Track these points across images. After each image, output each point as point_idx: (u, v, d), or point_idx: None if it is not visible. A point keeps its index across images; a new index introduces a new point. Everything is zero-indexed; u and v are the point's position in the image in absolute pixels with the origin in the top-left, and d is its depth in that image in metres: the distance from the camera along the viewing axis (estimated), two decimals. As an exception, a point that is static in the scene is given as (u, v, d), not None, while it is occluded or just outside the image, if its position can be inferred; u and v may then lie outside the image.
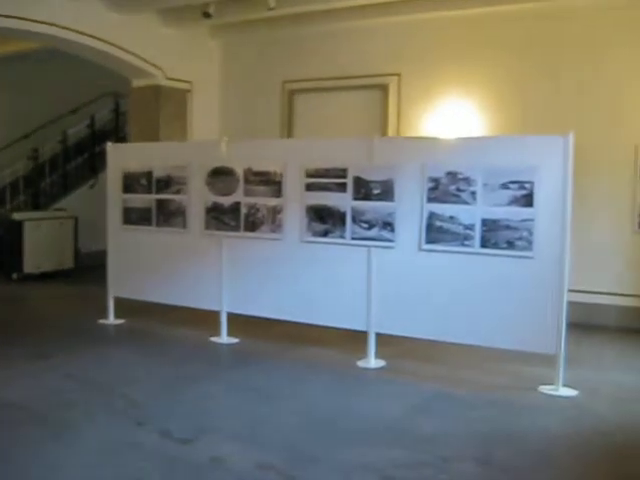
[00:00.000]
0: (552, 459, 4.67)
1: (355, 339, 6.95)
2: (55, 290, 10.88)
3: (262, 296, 7.40)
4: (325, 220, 7.00)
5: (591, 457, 4.75)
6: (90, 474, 4.34)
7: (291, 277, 7.22)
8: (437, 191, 6.42)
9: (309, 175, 7.07)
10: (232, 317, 7.64)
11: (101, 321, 8.39)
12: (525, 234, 6.06)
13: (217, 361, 7.09)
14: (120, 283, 8.37)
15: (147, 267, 8.21)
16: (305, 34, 10.29)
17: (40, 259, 11.53)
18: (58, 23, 8.82)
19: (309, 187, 7.08)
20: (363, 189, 6.79)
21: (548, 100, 8.65)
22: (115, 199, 8.38)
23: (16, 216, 11.56)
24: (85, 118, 14.08)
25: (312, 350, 7.28)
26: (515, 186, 6.08)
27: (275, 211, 7.29)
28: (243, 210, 7.48)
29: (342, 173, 6.89)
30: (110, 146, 8.62)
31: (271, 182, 7.30)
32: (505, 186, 6.11)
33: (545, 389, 6.03)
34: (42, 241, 11.54)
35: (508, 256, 6.14)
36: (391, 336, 6.76)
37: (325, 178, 6.98)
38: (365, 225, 6.79)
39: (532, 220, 6.03)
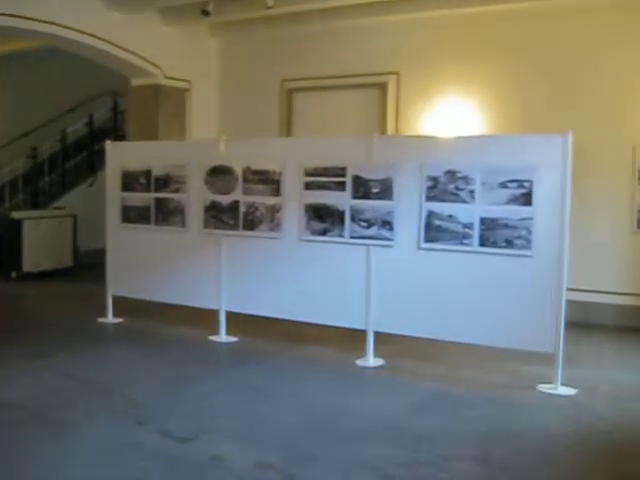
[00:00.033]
0: (551, 457, 4.68)
1: (354, 338, 6.95)
2: (54, 289, 10.88)
3: (261, 295, 7.41)
4: (324, 219, 7.01)
5: (589, 456, 4.76)
6: (90, 474, 4.35)
7: (290, 276, 7.23)
8: (436, 190, 6.43)
9: (308, 174, 7.07)
10: (231, 316, 7.65)
11: (100, 320, 8.40)
12: (524, 233, 6.06)
13: (216, 360, 7.10)
14: (119, 282, 8.37)
15: (146, 266, 8.22)
16: (304, 33, 10.29)
17: (39, 258, 11.53)
18: (58, 22, 8.81)
19: (308, 186, 7.08)
20: (362, 188, 6.80)
21: (547, 100, 8.65)
22: (114, 198, 8.39)
23: (15, 215, 11.56)
24: (84, 117, 14.08)
25: (311, 349, 7.28)
26: (514, 185, 6.08)
27: (274, 210, 7.30)
28: (242, 209, 7.48)
29: (341, 172, 6.89)
30: (109, 145, 8.62)
31: (270, 181, 7.30)
32: (504, 185, 6.12)
33: (544, 388, 6.03)
34: (41, 240, 11.54)
35: (507, 255, 6.15)
36: (390, 335, 6.77)
37: (324, 177, 6.99)
38: (364, 224, 6.80)
39: (531, 219, 6.03)
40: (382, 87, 9.89)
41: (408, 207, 6.57)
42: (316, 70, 10.26)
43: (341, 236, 6.92)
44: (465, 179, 6.29)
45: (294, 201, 7.16)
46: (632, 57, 8.25)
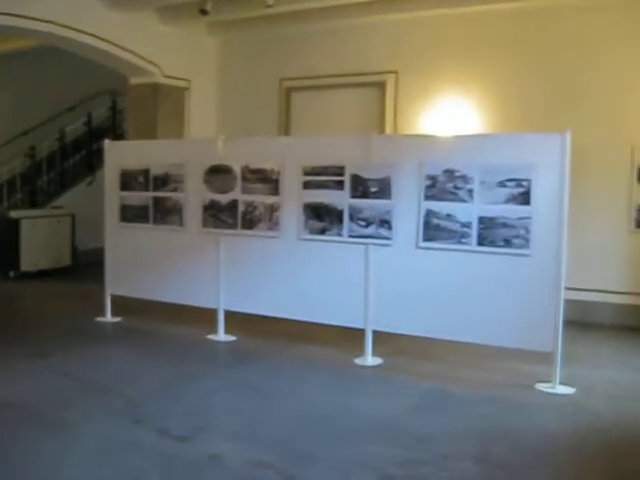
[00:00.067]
0: (549, 456, 4.68)
1: (352, 337, 6.95)
2: (52, 288, 10.87)
3: (259, 294, 7.41)
4: (322, 218, 7.01)
5: (588, 454, 4.76)
6: (88, 473, 4.34)
7: (288, 275, 7.23)
8: (434, 189, 6.43)
9: (306, 173, 7.08)
10: (229, 315, 7.65)
11: (98, 319, 8.39)
12: (522, 232, 6.07)
13: (214, 359, 7.10)
14: (117, 281, 8.37)
15: (144, 265, 8.21)
16: (302, 32, 10.29)
17: (37, 257, 11.52)
18: (56, 21, 8.80)
19: (306, 185, 7.09)
20: (360, 187, 6.80)
21: (546, 99, 8.66)
22: (112, 197, 8.39)
23: (13, 214, 11.55)
24: (82, 116, 14.08)
25: (309, 348, 7.28)
26: (512, 184, 6.09)
27: (272, 209, 7.30)
28: (240, 208, 7.48)
29: (339, 171, 6.89)
30: (107, 144, 8.63)
31: (268, 180, 7.31)
32: (502, 184, 6.12)
33: (542, 387, 6.04)
34: (39, 239, 11.54)
35: (505, 254, 6.15)
36: (388, 334, 6.77)
37: (322, 176, 6.99)
38: (362, 223, 6.80)
39: (529, 218, 6.04)
40: (381, 86, 9.89)
41: (407, 206, 6.57)
42: (315, 69, 10.26)
43: (340, 235, 6.93)
44: (464, 178, 6.30)
45: (293, 200, 7.16)
46: (631, 57, 8.26)
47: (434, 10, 9.26)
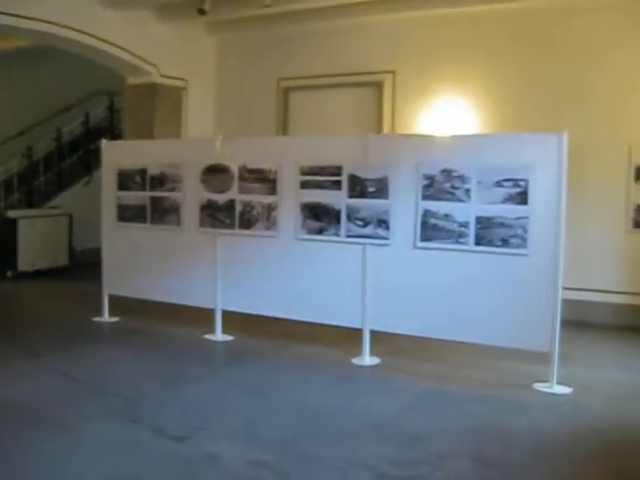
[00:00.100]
0: (547, 456, 4.68)
1: (350, 337, 6.95)
2: (49, 288, 10.86)
3: (257, 294, 7.40)
4: (320, 218, 7.01)
5: (585, 454, 4.76)
6: (85, 473, 4.33)
7: (286, 275, 7.23)
8: (432, 189, 6.43)
9: (304, 173, 7.08)
10: (227, 315, 7.64)
11: (96, 319, 8.38)
12: (519, 232, 6.07)
13: (212, 359, 7.09)
14: (115, 281, 8.36)
15: (142, 265, 8.21)
16: (300, 31, 10.28)
17: (34, 257, 11.51)
18: (53, 20, 8.79)
19: (304, 185, 7.08)
20: (358, 187, 6.80)
21: (543, 100, 8.66)
22: (109, 196, 8.38)
23: (10, 214, 11.54)
24: (79, 116, 14.08)
25: (307, 348, 7.28)
26: (509, 184, 6.09)
27: (270, 209, 7.30)
28: (238, 208, 7.48)
29: (337, 171, 6.89)
30: (105, 143, 8.62)
31: (266, 179, 7.30)
32: (499, 184, 6.12)
33: (539, 386, 6.04)
34: (36, 239, 11.52)
35: (502, 254, 6.15)
36: (386, 333, 6.77)
37: (320, 176, 6.99)
38: (360, 223, 6.80)
39: (527, 218, 6.04)
40: (378, 86, 9.90)
41: (404, 206, 6.57)
42: (312, 69, 10.26)
43: (337, 235, 6.92)
44: (461, 178, 6.30)
45: (290, 200, 7.16)
46: (629, 58, 8.27)
47: (432, 10, 9.25)
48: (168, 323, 8.16)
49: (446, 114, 9.24)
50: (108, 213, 8.40)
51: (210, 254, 7.65)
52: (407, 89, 9.65)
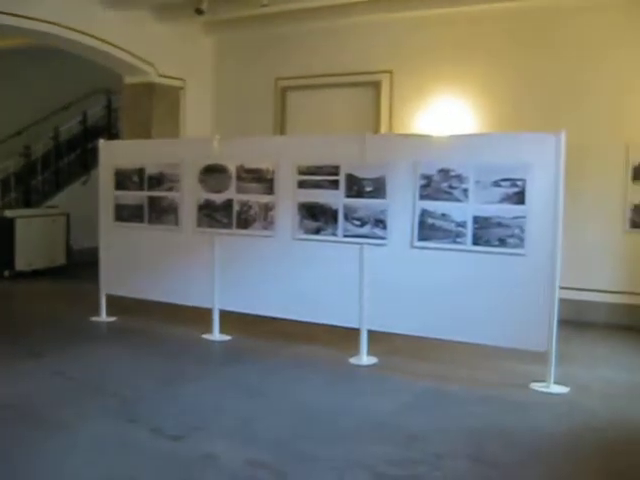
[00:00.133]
0: (544, 455, 4.69)
1: (347, 336, 6.95)
2: (47, 287, 10.86)
3: (254, 293, 7.40)
4: (317, 217, 7.01)
5: (582, 453, 4.77)
6: (82, 472, 4.33)
7: (283, 274, 7.23)
8: (429, 188, 6.44)
9: (301, 172, 7.08)
10: (224, 314, 7.64)
11: (93, 319, 8.38)
12: (517, 231, 6.07)
13: (209, 358, 7.09)
14: (112, 280, 8.36)
15: (139, 264, 8.21)
16: (298, 31, 10.29)
17: (32, 256, 11.50)
18: (52, 20, 8.79)
19: (301, 184, 7.08)
20: (355, 186, 6.80)
21: (541, 99, 8.67)
22: (107, 196, 8.38)
23: (8, 213, 11.53)
24: (77, 115, 14.07)
25: (304, 347, 7.28)
26: (507, 184, 6.09)
27: (267, 208, 7.30)
28: (235, 207, 7.48)
29: (334, 170, 6.89)
30: (102, 143, 8.61)
31: (263, 179, 7.30)
32: (497, 184, 6.13)
33: (536, 386, 6.05)
34: (34, 238, 11.52)
35: (500, 253, 6.15)
36: (383, 333, 6.77)
37: (317, 175, 6.99)
38: (357, 222, 6.80)
39: (524, 217, 6.04)
40: (376, 86, 9.90)
41: (401, 206, 6.57)
42: (310, 69, 10.27)
43: (334, 235, 6.92)
44: (458, 178, 6.30)
45: (287, 200, 7.16)
46: (627, 57, 8.28)
47: (430, 10, 9.26)
48: (166, 323, 8.16)
49: (444, 114, 9.25)
50: (106, 213, 8.40)
51: (207, 254, 7.65)
52: (405, 89, 9.66)
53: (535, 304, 6.02)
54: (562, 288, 6.13)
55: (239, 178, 7.44)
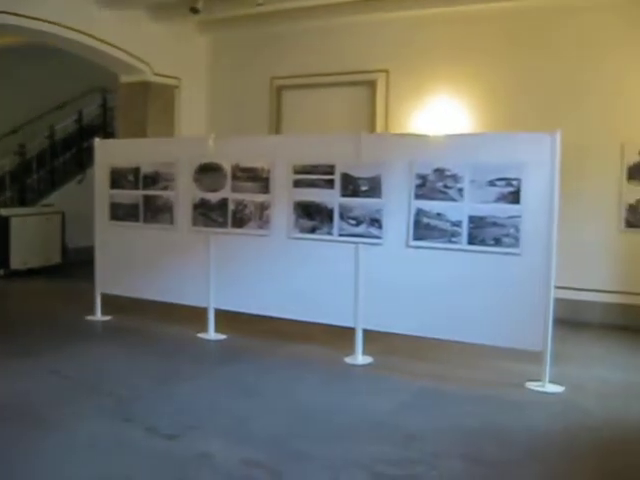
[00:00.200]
0: (539, 454, 4.69)
1: (343, 335, 6.95)
2: (42, 286, 10.84)
3: (249, 292, 7.40)
4: (313, 216, 7.01)
5: (578, 452, 4.77)
6: (78, 472, 4.32)
7: (279, 274, 7.23)
8: (425, 188, 6.44)
9: (297, 171, 7.07)
10: (220, 313, 7.64)
11: (89, 317, 8.37)
12: (512, 231, 6.08)
13: (205, 358, 7.08)
14: (107, 279, 8.35)
15: (134, 263, 8.20)
16: (293, 30, 10.28)
17: (27, 255, 11.48)
18: (47, 18, 8.78)
19: (297, 183, 7.08)
20: (351, 186, 6.80)
21: (537, 99, 8.67)
22: (102, 195, 8.37)
23: (3, 212, 11.51)
24: (73, 113, 14.05)
25: (300, 346, 7.28)
26: (502, 183, 6.09)
27: (263, 207, 7.29)
28: (231, 206, 7.48)
29: (330, 169, 6.89)
30: (97, 142, 8.60)
31: (259, 178, 7.30)
32: (492, 183, 6.13)
33: (532, 385, 6.05)
34: (29, 237, 11.50)
35: (495, 253, 6.16)
36: (379, 332, 6.77)
37: (313, 174, 6.99)
38: (353, 222, 6.80)
39: (519, 217, 6.05)
40: (371, 85, 9.90)
41: (397, 205, 6.57)
42: (305, 68, 10.26)
43: (330, 234, 6.92)
44: (454, 177, 6.30)
45: (283, 199, 7.16)
46: (622, 58, 8.28)
47: (426, 9, 9.26)
48: (161, 322, 8.15)
49: (439, 113, 9.25)
50: (101, 211, 8.39)
51: (203, 253, 7.65)
52: (400, 88, 9.65)
53: (530, 303, 6.03)
54: (557, 287, 6.15)
55: (234, 177, 7.43)
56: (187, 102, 10.91)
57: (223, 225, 7.53)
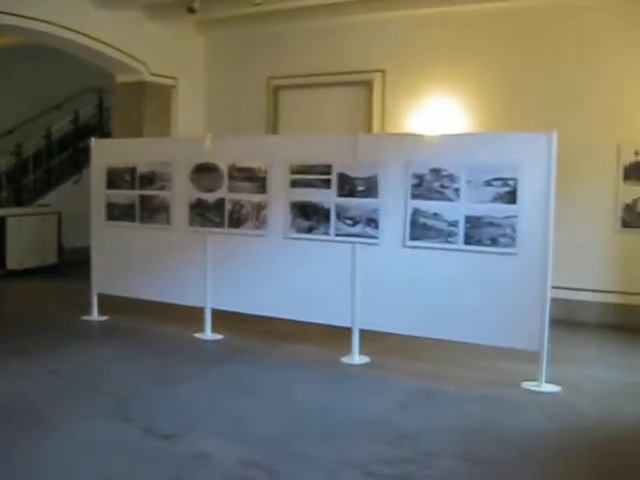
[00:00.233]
0: (535, 454, 4.70)
1: (339, 335, 6.96)
2: (38, 286, 10.83)
3: (246, 292, 7.40)
4: (309, 216, 7.01)
5: (573, 452, 4.78)
6: (75, 472, 4.32)
7: (275, 273, 7.23)
8: (421, 188, 6.44)
9: (293, 171, 7.07)
10: (217, 313, 7.64)
11: (85, 318, 8.36)
12: (508, 231, 6.09)
13: (202, 358, 7.07)
14: (104, 279, 8.34)
15: (131, 263, 8.19)
16: (290, 30, 10.28)
17: (23, 255, 11.48)
18: (44, 18, 8.75)
19: (293, 183, 7.08)
20: (347, 185, 6.80)
21: (533, 99, 8.68)
22: (99, 195, 8.36)
23: (-1, 212, 11.52)
24: (69, 114, 14.03)
25: (296, 346, 7.28)
26: (499, 183, 6.10)
27: (259, 207, 7.29)
28: (227, 206, 7.47)
29: (326, 169, 6.89)
30: (94, 142, 8.59)
31: (255, 178, 7.30)
32: (489, 183, 6.14)
33: (528, 385, 6.06)
34: (25, 237, 11.49)
35: (492, 253, 6.17)
36: (375, 332, 6.77)
37: (309, 174, 6.99)
38: (349, 222, 6.80)
39: (515, 217, 6.06)
40: (368, 85, 9.90)
41: (393, 205, 6.58)
42: (302, 68, 10.26)
43: (326, 234, 6.93)
44: (450, 177, 6.31)
45: (280, 199, 7.16)
46: (619, 58, 8.29)
47: (422, 9, 9.27)
48: (158, 322, 8.14)
49: (436, 113, 9.26)
50: (97, 211, 8.38)
51: (200, 253, 7.64)
52: (397, 88, 9.66)
53: (527, 303, 6.03)
54: (554, 287, 6.16)
55: (231, 177, 7.43)
56: (184, 102, 10.91)
57: (220, 225, 7.53)
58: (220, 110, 10.99)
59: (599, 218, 8.49)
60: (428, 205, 6.42)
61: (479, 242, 6.21)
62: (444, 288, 6.38)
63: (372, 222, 6.70)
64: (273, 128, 10.65)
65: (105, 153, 8.39)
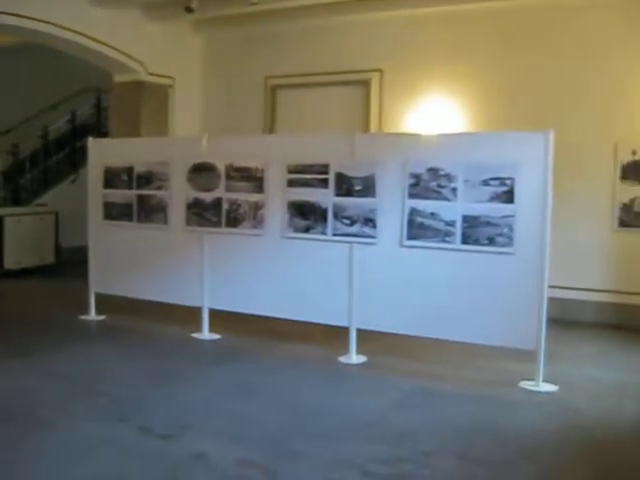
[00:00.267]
0: (532, 453, 4.70)
1: (337, 335, 6.96)
2: (36, 286, 10.82)
3: (244, 292, 7.40)
4: (307, 216, 7.01)
5: (570, 451, 4.79)
6: (71, 471, 4.32)
7: (273, 273, 7.22)
8: (418, 187, 6.44)
9: (291, 171, 7.07)
10: (214, 313, 7.63)
11: (82, 317, 8.36)
12: (506, 230, 6.09)
13: (199, 357, 7.06)
14: (101, 279, 8.34)
15: (128, 263, 8.19)
16: (287, 30, 10.28)
17: (21, 255, 11.46)
18: (41, 18, 8.74)
19: (291, 183, 7.08)
20: (345, 185, 6.80)
21: (531, 99, 8.68)
22: (96, 194, 8.36)
23: (-4, 212, 11.50)
24: (66, 113, 14.01)
25: (294, 346, 7.28)
26: (496, 182, 6.10)
27: (257, 207, 7.29)
28: (225, 206, 7.47)
29: (324, 169, 6.89)
30: (91, 141, 8.58)
31: (253, 178, 7.30)
32: (486, 183, 6.14)
33: (525, 384, 6.06)
34: (23, 237, 11.48)
35: (489, 252, 6.17)
36: (372, 332, 6.77)
37: (307, 174, 6.99)
38: (347, 221, 6.80)
39: (513, 216, 6.06)
40: (365, 84, 9.90)
41: (391, 204, 6.58)
42: (300, 67, 10.26)
43: (324, 233, 6.93)
44: (447, 177, 6.31)
45: (277, 198, 7.16)
46: (617, 58, 8.29)
47: (420, 9, 9.27)
48: (155, 321, 8.14)
49: (433, 113, 9.26)
50: (94, 211, 8.37)
51: (197, 253, 7.64)
52: (394, 88, 9.66)
53: (524, 303, 6.03)
54: (551, 287, 6.16)
55: (228, 177, 7.43)
56: (181, 101, 10.90)
57: (217, 225, 7.53)
58: (217, 110, 10.98)
59: (596, 217, 8.50)
60: (425, 205, 6.42)
61: (476, 242, 6.21)
62: (441, 288, 6.38)
63: (369, 222, 6.70)
64: (270, 128, 10.65)
65: (102, 153, 8.39)
